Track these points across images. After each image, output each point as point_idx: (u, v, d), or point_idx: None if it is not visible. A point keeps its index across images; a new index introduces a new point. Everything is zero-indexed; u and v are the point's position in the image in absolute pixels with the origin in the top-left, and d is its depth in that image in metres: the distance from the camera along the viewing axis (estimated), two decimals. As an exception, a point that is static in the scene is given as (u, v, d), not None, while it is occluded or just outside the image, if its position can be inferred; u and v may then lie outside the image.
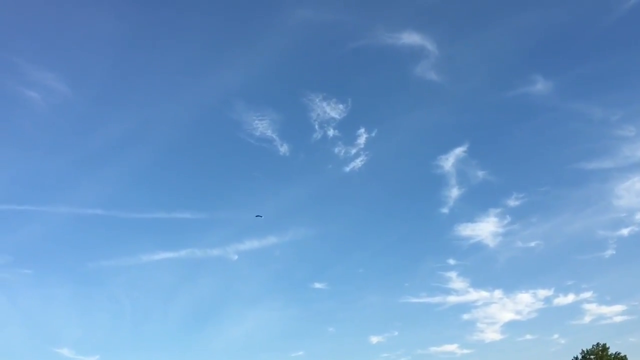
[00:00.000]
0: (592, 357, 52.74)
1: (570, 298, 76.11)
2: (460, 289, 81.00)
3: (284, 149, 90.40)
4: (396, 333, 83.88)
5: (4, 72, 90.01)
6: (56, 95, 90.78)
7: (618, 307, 74.80)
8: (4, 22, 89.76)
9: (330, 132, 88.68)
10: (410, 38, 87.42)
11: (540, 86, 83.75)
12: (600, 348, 52.76)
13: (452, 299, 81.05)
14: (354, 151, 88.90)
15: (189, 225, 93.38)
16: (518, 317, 77.58)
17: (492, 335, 78.35)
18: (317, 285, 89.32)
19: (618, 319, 74.68)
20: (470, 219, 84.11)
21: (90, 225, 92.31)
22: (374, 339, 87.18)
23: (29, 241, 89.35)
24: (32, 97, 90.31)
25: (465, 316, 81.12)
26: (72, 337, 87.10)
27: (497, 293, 79.50)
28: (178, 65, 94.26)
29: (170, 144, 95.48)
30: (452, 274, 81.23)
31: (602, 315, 75.13)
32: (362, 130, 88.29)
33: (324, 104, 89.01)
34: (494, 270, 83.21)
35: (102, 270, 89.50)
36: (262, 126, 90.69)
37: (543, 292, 77.96)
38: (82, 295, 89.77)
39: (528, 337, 77.41)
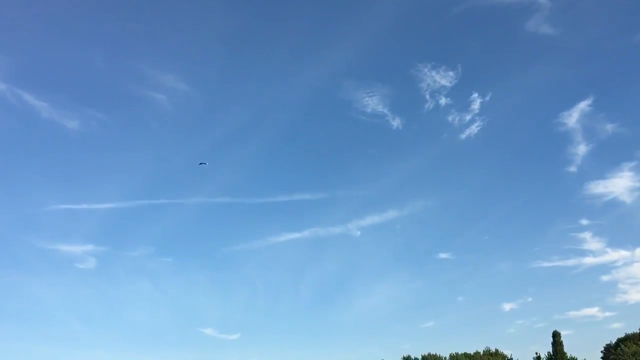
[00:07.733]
0: None
1: None
2: (596, 250, 77.63)
3: (396, 122, 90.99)
4: (530, 299, 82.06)
5: (132, 78, 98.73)
6: (179, 95, 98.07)
7: None
8: (129, 33, 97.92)
9: (442, 101, 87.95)
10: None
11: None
12: None
13: (588, 260, 77.90)
14: (468, 117, 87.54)
15: (310, 205, 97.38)
16: (665, 276, 73.03)
17: (636, 296, 74.51)
18: (442, 255, 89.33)
19: None
20: (602, 175, 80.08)
21: (220, 213, 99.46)
22: (507, 306, 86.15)
23: (167, 232, 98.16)
24: (158, 99, 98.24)
25: (605, 278, 77.78)
26: (214, 318, 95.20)
27: (639, 251, 75.09)
28: (285, 53, 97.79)
29: (285, 130, 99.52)
30: (586, 235, 78.01)
31: None
32: (475, 95, 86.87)
33: (433, 73, 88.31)
34: (633, 228, 78.75)
35: (235, 255, 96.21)
36: (373, 102, 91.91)
37: (691, 248, 72.65)
38: (218, 279, 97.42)
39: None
